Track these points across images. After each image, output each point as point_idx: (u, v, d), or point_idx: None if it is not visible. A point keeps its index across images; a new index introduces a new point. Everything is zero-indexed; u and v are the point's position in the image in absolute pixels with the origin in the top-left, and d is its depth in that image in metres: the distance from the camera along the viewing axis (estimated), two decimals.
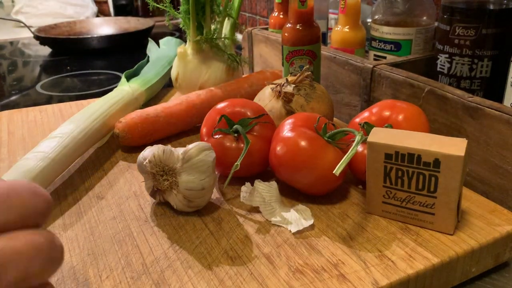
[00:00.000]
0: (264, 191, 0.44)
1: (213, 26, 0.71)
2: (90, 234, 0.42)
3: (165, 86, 0.81)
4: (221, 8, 0.70)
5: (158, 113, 0.60)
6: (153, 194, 0.45)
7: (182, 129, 0.63)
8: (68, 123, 0.54)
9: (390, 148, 0.40)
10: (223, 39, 0.72)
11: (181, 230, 0.42)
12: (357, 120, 0.49)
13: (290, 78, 0.56)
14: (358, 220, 0.42)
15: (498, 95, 0.52)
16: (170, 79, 0.75)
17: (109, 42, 1.27)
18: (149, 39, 0.93)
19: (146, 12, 1.86)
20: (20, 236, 0.22)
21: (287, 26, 0.62)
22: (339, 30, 0.73)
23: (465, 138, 0.39)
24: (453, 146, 0.38)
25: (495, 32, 0.53)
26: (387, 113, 0.47)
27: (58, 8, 1.81)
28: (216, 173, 0.47)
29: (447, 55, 0.56)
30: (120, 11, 1.86)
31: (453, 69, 0.56)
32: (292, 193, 0.46)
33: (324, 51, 0.68)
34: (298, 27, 0.60)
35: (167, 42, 0.91)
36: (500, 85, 0.52)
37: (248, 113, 0.49)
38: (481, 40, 0.53)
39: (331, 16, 0.82)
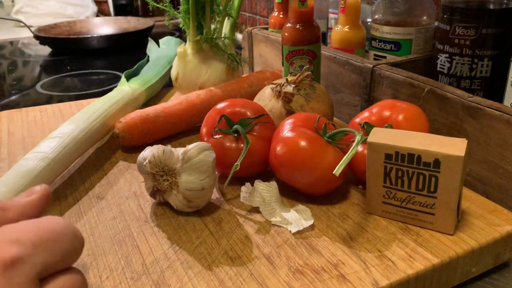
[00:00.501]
0: (264, 191, 0.44)
1: (213, 26, 0.71)
2: (90, 234, 0.42)
3: (165, 86, 0.81)
4: (221, 7, 0.70)
5: (158, 113, 0.60)
6: (153, 194, 0.45)
7: (182, 129, 0.63)
8: (68, 123, 0.54)
9: (390, 148, 0.40)
10: (223, 39, 0.72)
11: (181, 230, 0.42)
12: (357, 120, 0.49)
13: (290, 78, 0.56)
14: (358, 220, 0.42)
15: (498, 95, 0.52)
16: (170, 79, 0.75)
17: (109, 42, 1.27)
18: (149, 38, 0.93)
19: (146, 12, 1.85)
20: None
21: (287, 26, 0.61)
22: (339, 30, 0.73)
23: (465, 138, 0.39)
24: (453, 146, 0.38)
25: (495, 32, 0.52)
26: (387, 113, 0.47)
27: (58, 8, 1.81)
28: (216, 173, 0.47)
29: (447, 55, 0.56)
30: (120, 11, 1.86)
31: (453, 69, 0.56)
32: (292, 193, 0.46)
33: (324, 51, 0.68)
34: (298, 27, 0.60)
35: (167, 42, 0.91)
36: (500, 85, 0.52)
37: (248, 113, 0.49)
38: (481, 40, 0.53)
39: (331, 16, 0.82)
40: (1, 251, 0.23)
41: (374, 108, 0.49)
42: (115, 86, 0.69)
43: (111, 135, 0.60)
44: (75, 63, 1.17)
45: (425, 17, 0.65)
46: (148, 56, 0.85)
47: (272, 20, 0.86)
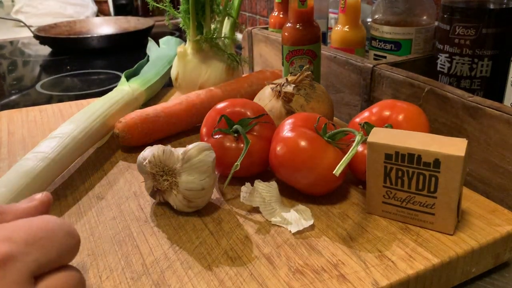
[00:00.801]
0: (264, 191, 0.44)
1: (213, 26, 0.71)
2: (90, 234, 0.42)
3: (165, 85, 0.81)
4: (221, 7, 0.70)
5: (158, 113, 0.60)
6: (153, 194, 0.45)
7: (182, 129, 0.63)
8: (68, 123, 0.54)
9: (390, 148, 0.40)
10: (223, 38, 0.71)
11: (181, 231, 0.42)
12: (357, 120, 0.49)
13: (290, 78, 0.56)
14: (358, 220, 0.42)
15: (498, 95, 0.52)
16: (170, 78, 0.75)
17: (109, 42, 1.27)
18: (149, 38, 0.93)
19: (146, 12, 1.86)
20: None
21: (287, 25, 0.61)
22: (339, 29, 0.73)
23: (465, 138, 0.39)
24: (453, 146, 0.38)
25: (495, 32, 0.52)
26: (387, 113, 0.47)
27: (58, 8, 1.81)
28: (216, 173, 0.47)
29: (447, 55, 0.56)
30: (120, 10, 1.86)
31: (453, 69, 0.56)
32: (292, 193, 0.46)
33: (324, 50, 0.68)
34: (298, 26, 0.60)
35: (167, 42, 0.91)
36: (500, 84, 0.52)
37: (248, 113, 0.49)
38: (481, 40, 0.53)
39: (331, 15, 0.82)
40: None
41: (374, 108, 0.49)
42: (115, 86, 0.69)
43: (111, 135, 0.60)
44: (75, 63, 1.17)
45: (425, 17, 0.65)
46: (148, 56, 0.85)
47: (272, 20, 0.86)
